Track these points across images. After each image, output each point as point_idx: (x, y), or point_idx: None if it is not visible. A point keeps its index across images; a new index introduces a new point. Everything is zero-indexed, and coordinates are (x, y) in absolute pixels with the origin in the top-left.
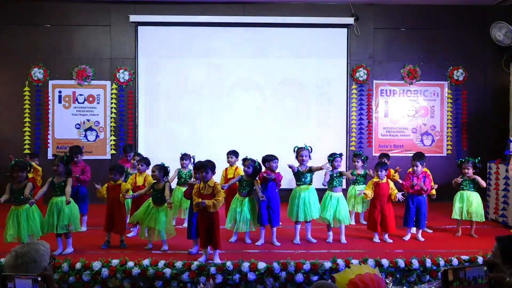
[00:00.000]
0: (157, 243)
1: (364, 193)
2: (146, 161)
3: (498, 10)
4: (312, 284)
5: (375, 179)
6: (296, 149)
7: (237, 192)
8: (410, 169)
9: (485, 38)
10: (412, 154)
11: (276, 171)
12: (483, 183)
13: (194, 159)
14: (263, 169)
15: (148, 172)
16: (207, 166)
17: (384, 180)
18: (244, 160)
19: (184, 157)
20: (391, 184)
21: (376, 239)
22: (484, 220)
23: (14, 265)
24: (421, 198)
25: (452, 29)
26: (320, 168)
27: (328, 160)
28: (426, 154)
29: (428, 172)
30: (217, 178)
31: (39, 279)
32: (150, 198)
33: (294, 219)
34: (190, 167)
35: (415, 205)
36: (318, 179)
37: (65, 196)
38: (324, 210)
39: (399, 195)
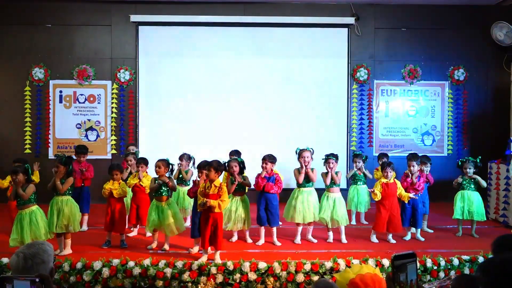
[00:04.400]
0: (159, 243)
1: (374, 191)
2: (145, 161)
3: (499, 10)
4: (312, 283)
5: (383, 180)
6: (298, 150)
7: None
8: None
9: (486, 38)
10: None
11: (274, 171)
12: (483, 183)
13: (194, 159)
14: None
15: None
16: (211, 165)
17: (392, 180)
18: (229, 162)
19: (182, 157)
20: (399, 184)
21: (374, 238)
22: (485, 219)
23: (23, 267)
24: (417, 197)
25: (453, 29)
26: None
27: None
28: (426, 154)
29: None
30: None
31: (37, 280)
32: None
33: (289, 220)
34: (189, 166)
35: (411, 204)
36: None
37: (66, 196)
38: (321, 210)
39: (411, 195)
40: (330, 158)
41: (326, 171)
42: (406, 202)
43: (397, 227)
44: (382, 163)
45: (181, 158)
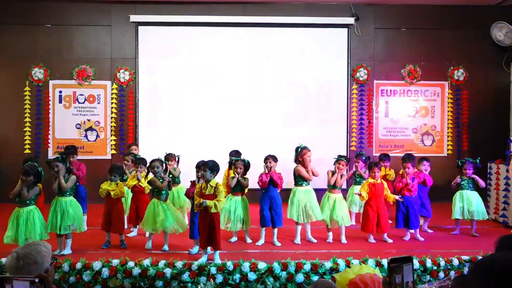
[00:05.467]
0: (158, 243)
1: (360, 194)
2: (144, 162)
3: (499, 10)
4: (311, 284)
5: (370, 180)
6: (299, 149)
7: (230, 192)
8: (401, 171)
9: (485, 38)
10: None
11: (277, 171)
12: (482, 183)
13: (179, 158)
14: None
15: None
16: (206, 165)
17: (379, 181)
18: (235, 162)
19: (169, 157)
20: (385, 185)
21: (372, 239)
22: (486, 217)
23: (15, 267)
24: (411, 198)
25: (453, 29)
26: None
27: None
28: (426, 155)
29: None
30: (219, 178)
31: (37, 280)
32: (154, 198)
33: (296, 219)
34: (175, 165)
35: (405, 205)
36: (321, 180)
37: (69, 197)
38: (322, 211)
39: (397, 197)
40: (341, 159)
41: (334, 171)
42: (391, 203)
43: (384, 227)
44: (369, 163)
45: (169, 158)
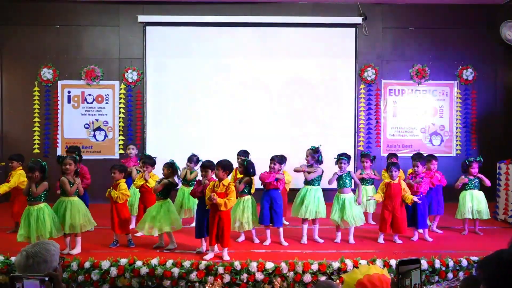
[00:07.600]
0: (165, 243)
1: (375, 198)
2: (150, 162)
3: (508, 9)
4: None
5: (387, 180)
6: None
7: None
8: (411, 170)
9: (494, 37)
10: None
11: (282, 171)
12: (488, 182)
13: (200, 161)
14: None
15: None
16: (219, 164)
17: (396, 181)
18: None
19: (193, 157)
20: (403, 185)
21: (381, 239)
22: (489, 217)
23: (25, 266)
24: (420, 198)
25: (461, 28)
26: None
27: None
28: (435, 155)
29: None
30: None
31: (46, 279)
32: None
33: (298, 215)
34: (194, 167)
35: (412, 205)
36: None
37: (72, 197)
38: (332, 211)
39: (415, 198)
40: (341, 158)
41: (339, 170)
42: (410, 204)
43: (400, 228)
44: (388, 163)
45: (190, 160)
